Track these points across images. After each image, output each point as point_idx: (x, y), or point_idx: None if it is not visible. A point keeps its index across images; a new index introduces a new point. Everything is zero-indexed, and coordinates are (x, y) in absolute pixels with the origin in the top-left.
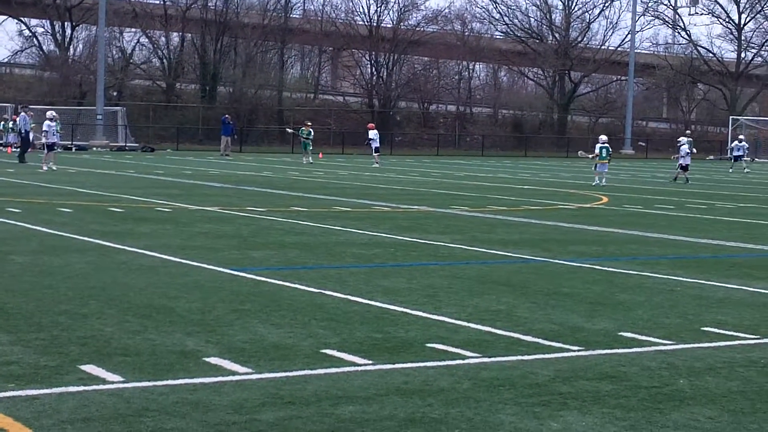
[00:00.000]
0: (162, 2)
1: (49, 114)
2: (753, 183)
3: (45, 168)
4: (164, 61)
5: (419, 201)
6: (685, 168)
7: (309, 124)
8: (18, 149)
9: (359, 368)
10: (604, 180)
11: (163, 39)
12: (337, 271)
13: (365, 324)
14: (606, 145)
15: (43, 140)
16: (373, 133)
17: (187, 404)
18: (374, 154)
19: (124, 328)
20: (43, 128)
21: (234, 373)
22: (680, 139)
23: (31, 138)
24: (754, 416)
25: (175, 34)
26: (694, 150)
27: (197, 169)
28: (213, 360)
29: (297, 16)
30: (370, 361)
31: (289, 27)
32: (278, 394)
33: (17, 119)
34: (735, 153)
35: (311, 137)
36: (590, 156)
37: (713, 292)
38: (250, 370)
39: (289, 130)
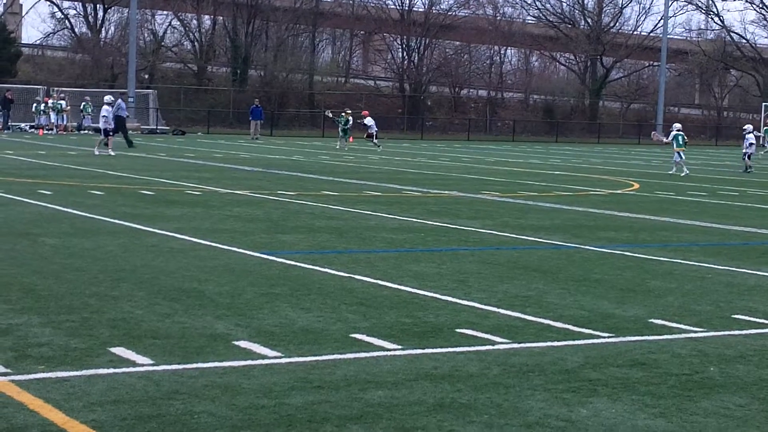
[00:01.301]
0: None
1: (107, 98)
2: None
3: (113, 153)
4: (195, 44)
5: (450, 186)
6: (748, 157)
7: (348, 111)
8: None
9: (388, 353)
10: (685, 168)
11: (194, 22)
12: (367, 256)
13: (395, 309)
14: (681, 132)
15: (102, 125)
16: (368, 120)
17: (217, 387)
18: (375, 140)
19: (154, 311)
20: (102, 113)
21: (263, 357)
22: (746, 127)
23: (64, 120)
24: None
25: (206, 17)
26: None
27: (228, 152)
28: (242, 343)
29: (329, 0)
30: (400, 346)
31: (321, 11)
32: (307, 378)
33: (49, 101)
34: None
35: (349, 125)
36: (664, 140)
37: (744, 279)
38: (279, 354)
39: (329, 115)
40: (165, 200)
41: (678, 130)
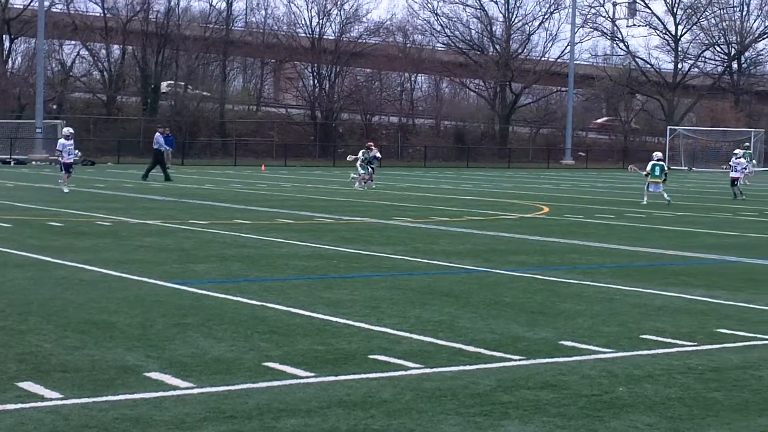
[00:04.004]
0: (102, 14)
1: (66, 131)
2: (690, 192)
3: (66, 190)
4: (105, 73)
5: (362, 213)
6: (734, 182)
7: (370, 144)
8: None
9: (301, 381)
10: (666, 195)
11: (103, 51)
12: (280, 284)
13: (307, 336)
14: (660, 162)
15: (61, 159)
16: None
17: (127, 420)
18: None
19: (63, 344)
20: (58, 147)
21: (175, 388)
22: (736, 151)
23: None
24: (692, 422)
25: (115, 46)
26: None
27: (138, 182)
28: (154, 375)
29: (239, 29)
30: (313, 374)
31: (231, 39)
32: (220, 408)
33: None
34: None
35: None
36: (643, 173)
37: (651, 300)
38: (191, 385)
39: (351, 158)
40: (74, 231)
41: (658, 160)
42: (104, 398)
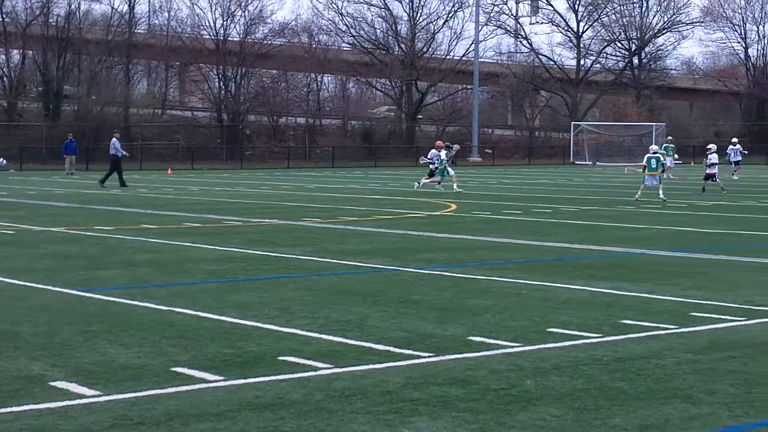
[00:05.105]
0: (1, 19)
1: None
2: (595, 186)
3: None
4: (5, 79)
5: (270, 214)
6: (709, 177)
7: (442, 144)
8: None
9: (210, 385)
10: (661, 192)
11: (2, 57)
12: (188, 288)
13: (216, 340)
14: (657, 155)
15: None
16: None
17: (33, 431)
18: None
19: None
20: None
21: (81, 397)
22: (710, 146)
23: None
24: (597, 413)
25: (15, 51)
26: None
27: (42, 189)
28: (60, 384)
29: (142, 32)
30: (222, 377)
31: (134, 42)
32: (127, 415)
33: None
34: (733, 158)
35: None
36: (639, 170)
37: (558, 293)
38: (98, 393)
39: (423, 160)
40: None
41: (654, 153)
42: (9, 409)
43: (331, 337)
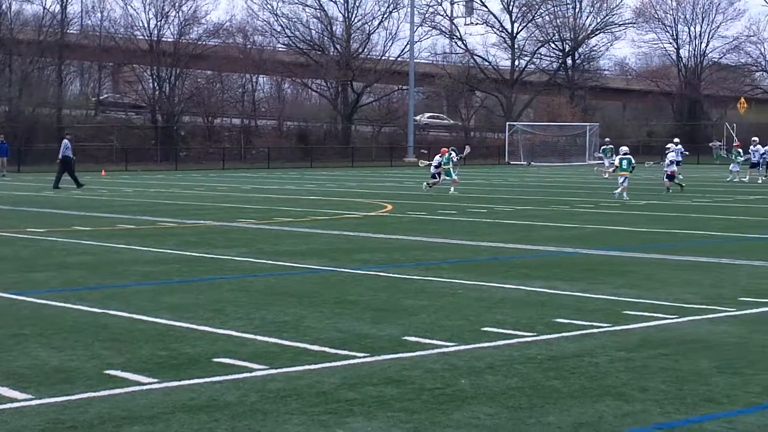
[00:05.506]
0: None
1: None
2: (530, 186)
3: None
4: None
5: (205, 216)
6: (669, 176)
7: (447, 150)
8: None
9: (144, 387)
10: (625, 194)
11: None
12: (122, 290)
13: (150, 342)
14: (628, 156)
15: None
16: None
17: None
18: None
19: None
20: None
21: (13, 401)
22: (669, 145)
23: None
24: (531, 411)
25: None
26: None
27: None
28: None
29: (74, 32)
30: (156, 380)
31: (67, 43)
32: (60, 419)
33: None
34: (753, 159)
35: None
36: (611, 170)
37: (493, 293)
38: (30, 396)
39: (423, 163)
40: None
41: (625, 154)
42: None
43: (266, 338)
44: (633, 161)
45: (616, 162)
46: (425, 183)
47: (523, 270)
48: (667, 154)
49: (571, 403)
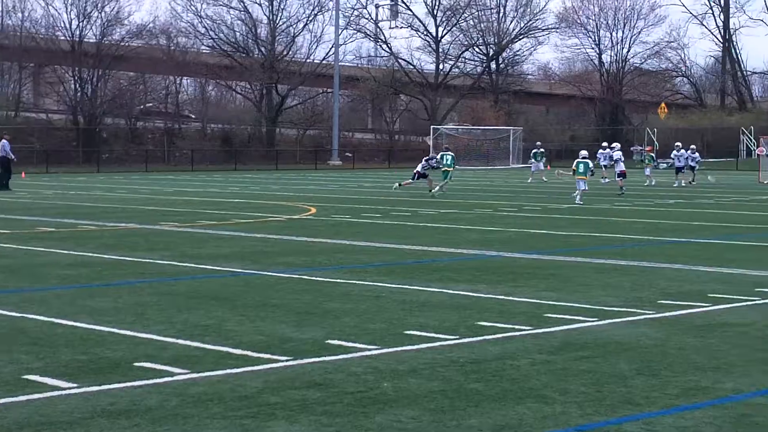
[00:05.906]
0: None
1: None
2: (453, 189)
3: None
4: None
5: (127, 218)
6: (621, 175)
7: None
8: None
9: (63, 392)
10: (578, 197)
11: None
12: (41, 294)
13: (70, 346)
14: (585, 160)
15: None
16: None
17: None
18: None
19: None
20: None
21: None
22: (614, 145)
23: None
24: (454, 413)
25: None
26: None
27: None
28: None
29: None
30: (75, 384)
31: None
32: None
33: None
34: (678, 164)
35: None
36: (569, 173)
37: (416, 296)
38: None
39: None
40: None
41: (583, 158)
42: None
43: (188, 342)
44: (591, 165)
45: (573, 166)
46: (431, 191)
47: (447, 273)
48: (613, 153)
49: (493, 406)
